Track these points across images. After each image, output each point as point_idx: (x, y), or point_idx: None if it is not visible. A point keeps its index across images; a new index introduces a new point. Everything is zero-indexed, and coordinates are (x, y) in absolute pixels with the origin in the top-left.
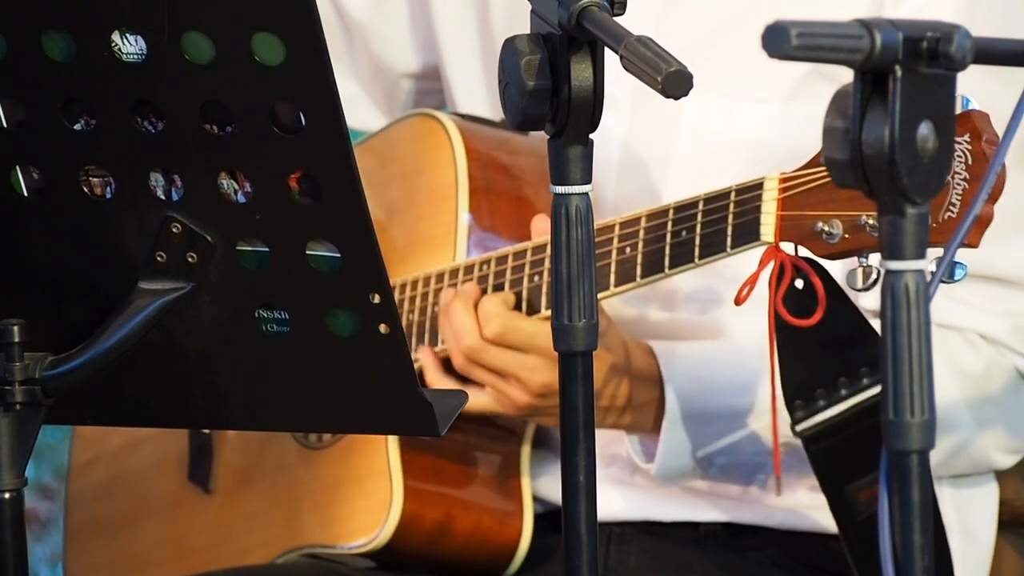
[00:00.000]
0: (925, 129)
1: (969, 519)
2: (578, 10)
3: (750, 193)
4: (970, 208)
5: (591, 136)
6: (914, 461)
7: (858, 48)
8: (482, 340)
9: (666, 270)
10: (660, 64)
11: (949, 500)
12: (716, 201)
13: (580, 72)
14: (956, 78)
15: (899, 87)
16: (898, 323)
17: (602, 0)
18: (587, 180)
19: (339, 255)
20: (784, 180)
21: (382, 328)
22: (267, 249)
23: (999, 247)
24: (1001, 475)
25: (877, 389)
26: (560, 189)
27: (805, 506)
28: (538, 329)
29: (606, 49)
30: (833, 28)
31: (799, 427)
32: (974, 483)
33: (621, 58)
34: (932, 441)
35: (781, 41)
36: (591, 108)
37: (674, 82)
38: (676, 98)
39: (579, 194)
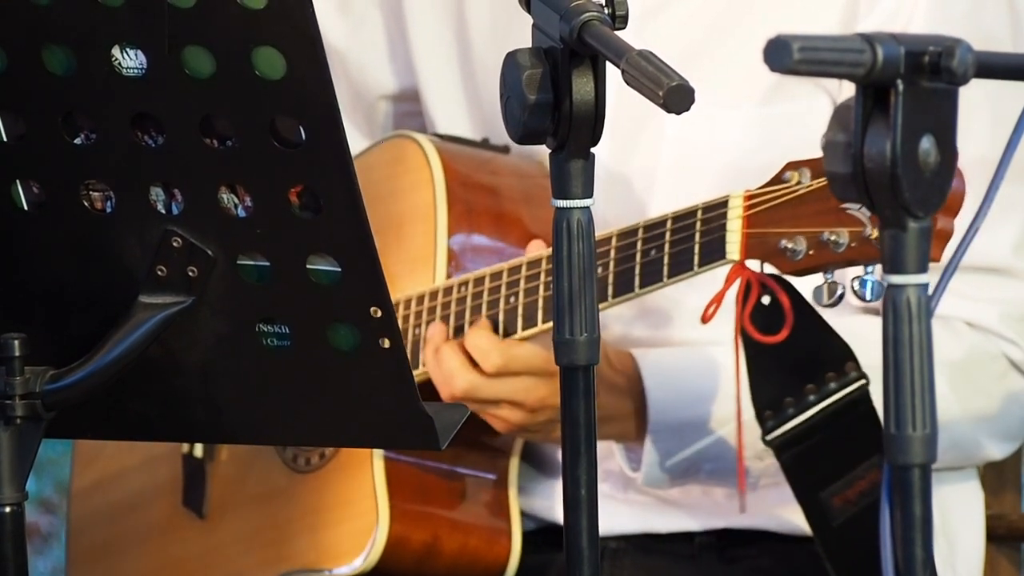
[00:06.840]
0: (927, 143)
1: (950, 519)
2: (579, 24)
3: (716, 211)
4: (969, 230)
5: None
6: (916, 475)
7: (860, 62)
8: (481, 376)
9: (636, 289)
10: (662, 79)
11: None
12: (683, 220)
13: (582, 86)
14: (958, 92)
15: (901, 101)
16: (899, 337)
17: (603, 14)
18: (588, 194)
19: (339, 269)
20: (749, 198)
21: (383, 342)
22: (267, 263)
23: (985, 235)
24: (996, 489)
25: (845, 391)
26: (562, 203)
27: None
28: (532, 351)
29: (607, 63)
30: (835, 42)
31: (769, 436)
32: (955, 479)
33: (623, 72)
34: (934, 455)
35: (783, 56)
36: (592, 122)
37: (675, 96)
38: (678, 113)
39: (580, 208)
